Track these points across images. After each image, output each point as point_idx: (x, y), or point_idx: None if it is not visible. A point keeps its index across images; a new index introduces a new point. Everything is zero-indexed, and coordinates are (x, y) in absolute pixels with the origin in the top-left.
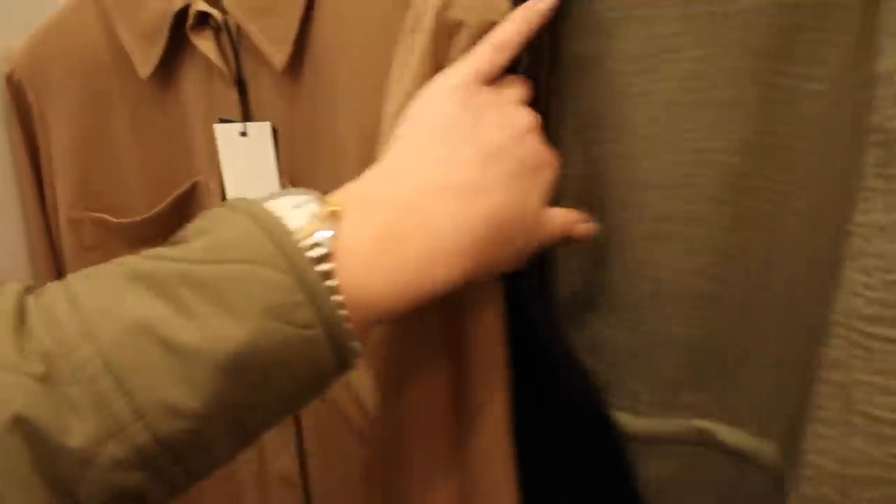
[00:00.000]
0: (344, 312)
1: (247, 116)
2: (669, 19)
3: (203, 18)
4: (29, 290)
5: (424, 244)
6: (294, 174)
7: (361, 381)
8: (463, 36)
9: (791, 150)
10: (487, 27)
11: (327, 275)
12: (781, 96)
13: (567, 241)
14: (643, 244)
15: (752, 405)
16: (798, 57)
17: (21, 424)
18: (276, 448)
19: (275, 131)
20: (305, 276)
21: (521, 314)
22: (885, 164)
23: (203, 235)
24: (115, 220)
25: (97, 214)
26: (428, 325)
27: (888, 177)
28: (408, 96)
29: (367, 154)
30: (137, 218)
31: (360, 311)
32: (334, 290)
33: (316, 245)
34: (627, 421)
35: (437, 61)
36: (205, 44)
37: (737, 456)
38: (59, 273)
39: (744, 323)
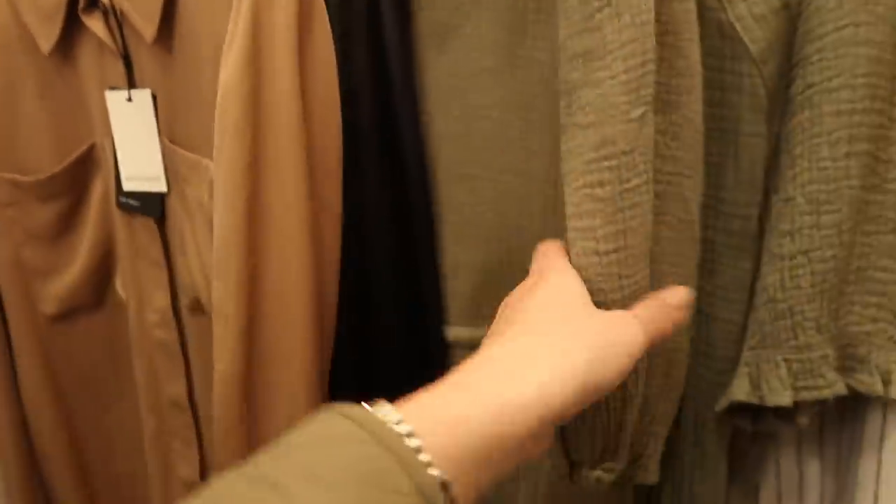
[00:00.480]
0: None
1: (132, 84)
2: (444, 6)
3: (93, 1)
4: None
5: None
6: (172, 133)
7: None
8: (275, 7)
9: (533, 105)
10: (292, 4)
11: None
12: (523, 63)
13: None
14: (447, 184)
15: None
16: (530, 33)
17: None
18: (168, 374)
19: (154, 97)
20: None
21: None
22: (568, 106)
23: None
24: (25, 178)
25: (9, 175)
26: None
27: (569, 114)
28: (234, 65)
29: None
30: (44, 175)
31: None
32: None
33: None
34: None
35: (255, 32)
36: (95, 24)
37: None
38: None
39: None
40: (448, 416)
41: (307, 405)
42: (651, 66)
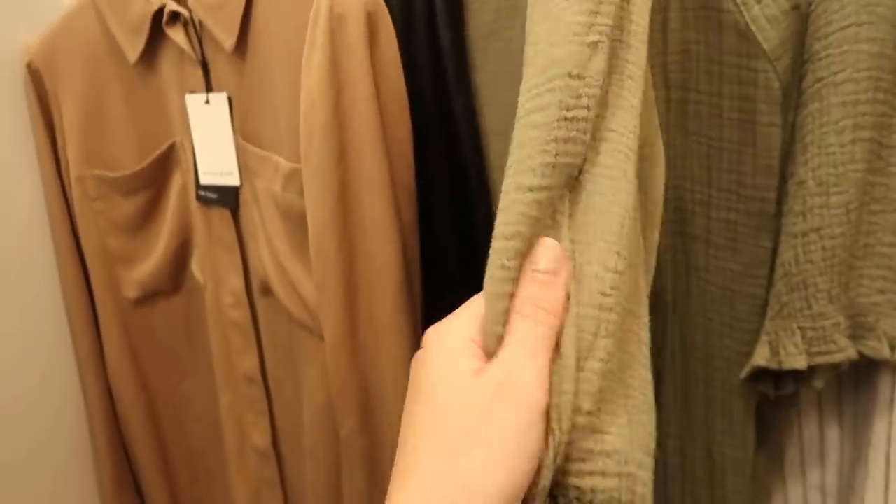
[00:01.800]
0: None
1: (209, 89)
2: (489, 11)
3: (175, 15)
4: None
5: None
6: (245, 132)
7: (300, 280)
8: (348, 25)
9: None
10: (364, 17)
11: None
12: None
13: None
14: (496, 174)
15: None
16: None
17: None
18: (241, 351)
19: (230, 100)
20: None
21: None
22: (527, 51)
23: None
24: (111, 174)
25: (98, 171)
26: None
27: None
28: (316, 76)
29: (294, 116)
30: (129, 171)
31: None
32: None
33: None
34: None
35: (333, 47)
36: (177, 35)
37: None
38: (71, 220)
39: None
40: None
41: (404, 358)
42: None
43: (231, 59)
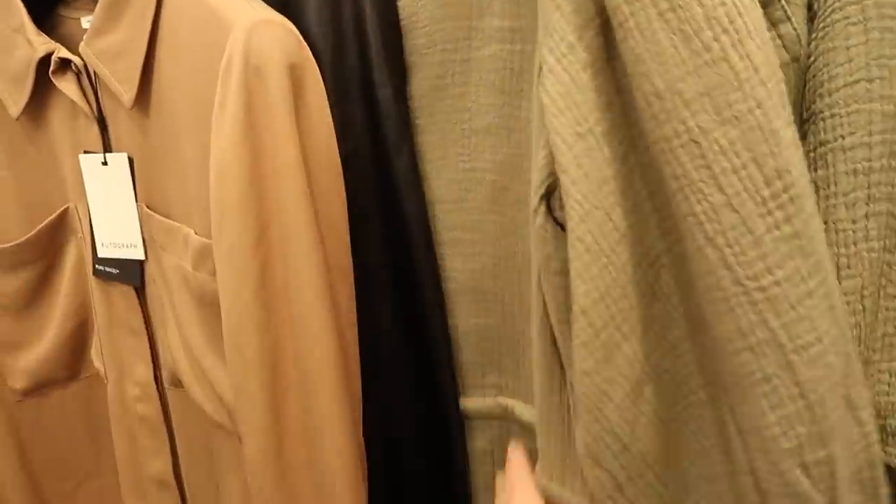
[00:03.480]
0: None
1: (107, 148)
2: (433, 65)
3: (65, 63)
4: None
5: None
6: (150, 198)
7: (216, 374)
8: (267, 79)
9: (527, 164)
10: (286, 69)
11: None
12: (516, 124)
13: None
14: (442, 250)
15: None
16: (525, 94)
17: None
18: (151, 451)
19: (131, 161)
20: None
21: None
22: (702, 156)
23: None
24: None
25: None
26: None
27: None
28: (228, 140)
29: (205, 182)
30: (13, 242)
31: None
32: None
33: None
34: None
35: (249, 105)
36: (68, 86)
37: (530, 429)
38: None
39: (522, 313)
40: None
41: (349, 486)
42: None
43: (132, 115)
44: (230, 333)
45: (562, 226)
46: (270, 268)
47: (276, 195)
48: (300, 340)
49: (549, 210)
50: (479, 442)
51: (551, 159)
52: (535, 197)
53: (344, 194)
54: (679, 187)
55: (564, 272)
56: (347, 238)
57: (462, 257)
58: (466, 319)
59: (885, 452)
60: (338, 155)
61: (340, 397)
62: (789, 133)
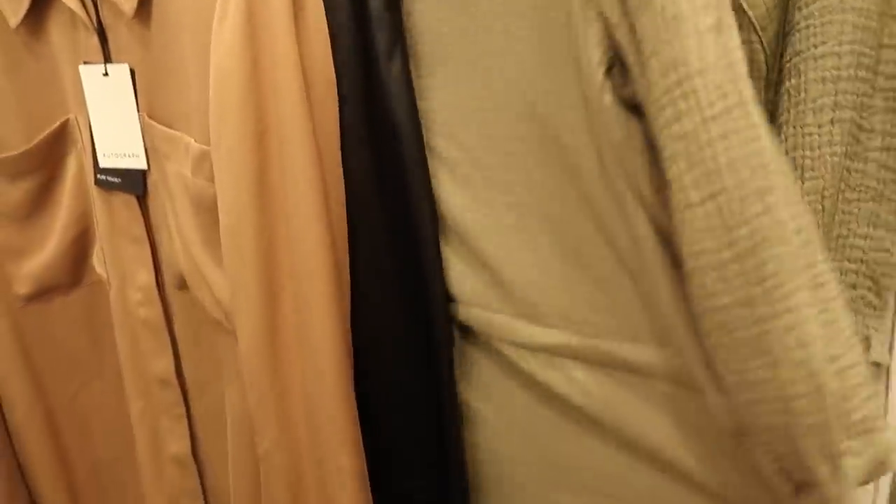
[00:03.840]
0: None
1: (108, 59)
2: None
3: None
4: None
5: None
6: (151, 109)
7: (213, 278)
8: None
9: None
10: None
11: None
12: None
13: None
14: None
15: None
16: None
17: None
18: (153, 352)
19: (132, 72)
20: None
21: None
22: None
23: None
24: None
25: None
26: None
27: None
28: (229, 46)
29: (206, 92)
30: (15, 152)
31: None
32: None
33: None
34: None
35: (249, 12)
36: None
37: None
38: None
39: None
40: None
41: (337, 374)
42: None
43: (133, 26)
44: (228, 234)
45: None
46: (268, 171)
47: (275, 102)
48: (294, 241)
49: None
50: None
51: (605, 35)
52: (596, 74)
53: (337, 103)
54: None
55: (651, 147)
56: (339, 145)
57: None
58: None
59: None
60: (332, 62)
61: (331, 295)
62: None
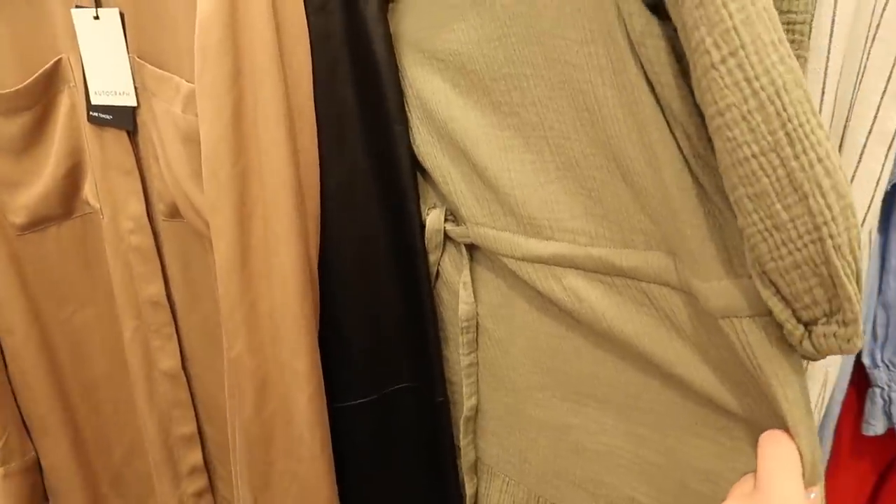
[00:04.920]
0: None
1: (98, 3)
2: None
3: None
4: None
5: None
6: (141, 50)
7: (200, 203)
8: None
9: None
10: None
11: None
12: None
13: None
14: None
15: None
16: None
17: None
18: (145, 277)
19: (122, 16)
20: None
21: None
22: None
23: None
24: None
25: None
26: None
27: None
28: None
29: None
30: (10, 90)
31: None
32: None
33: None
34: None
35: None
36: None
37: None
38: None
39: None
40: None
41: (298, 289)
42: None
43: None
44: (207, 160)
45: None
46: (243, 104)
47: (250, 42)
48: (266, 166)
49: None
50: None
51: None
52: None
53: (308, 43)
54: None
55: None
56: (310, 81)
57: None
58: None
59: None
60: (303, 9)
61: (296, 219)
62: None
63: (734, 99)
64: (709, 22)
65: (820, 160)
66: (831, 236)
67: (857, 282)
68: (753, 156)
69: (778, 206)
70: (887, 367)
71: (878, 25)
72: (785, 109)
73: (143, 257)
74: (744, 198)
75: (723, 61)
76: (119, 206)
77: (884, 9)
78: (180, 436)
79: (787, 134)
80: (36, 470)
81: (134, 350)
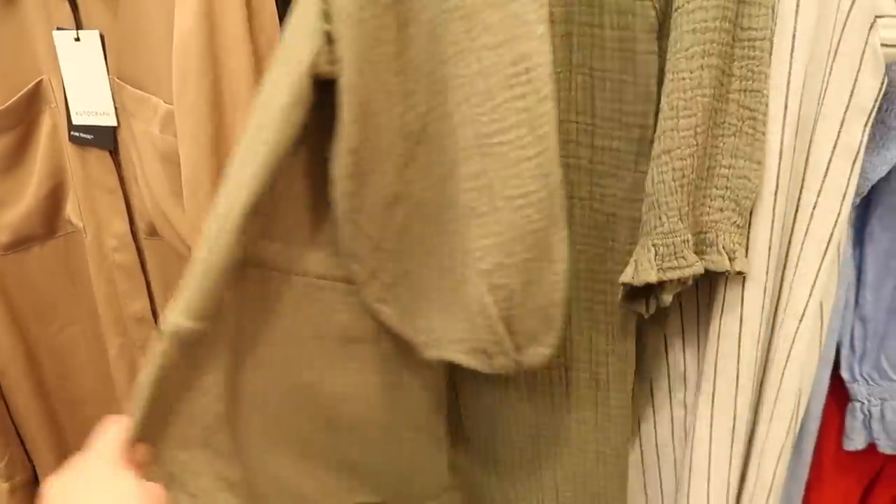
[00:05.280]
0: None
1: (79, 25)
2: None
3: None
4: None
5: None
6: (120, 71)
7: (178, 222)
8: None
9: None
10: None
11: None
12: None
13: None
14: None
15: None
16: None
17: None
18: (130, 294)
19: (102, 37)
20: None
21: None
22: (468, 31)
23: None
24: None
25: None
26: None
27: (472, 38)
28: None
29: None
30: None
31: None
32: None
33: None
34: None
35: None
36: None
37: None
38: None
39: None
40: None
41: None
42: None
43: None
44: (188, 180)
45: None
46: (223, 124)
47: (229, 63)
48: None
49: None
50: None
51: None
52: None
53: None
54: (454, 52)
55: None
56: None
57: None
58: None
59: (703, 259)
60: (279, 28)
61: None
62: (541, 28)
63: None
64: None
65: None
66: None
67: None
68: None
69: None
70: (866, 381)
71: (839, 40)
72: None
73: (127, 274)
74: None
75: None
76: (103, 224)
77: (844, 24)
78: None
79: None
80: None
81: (120, 367)
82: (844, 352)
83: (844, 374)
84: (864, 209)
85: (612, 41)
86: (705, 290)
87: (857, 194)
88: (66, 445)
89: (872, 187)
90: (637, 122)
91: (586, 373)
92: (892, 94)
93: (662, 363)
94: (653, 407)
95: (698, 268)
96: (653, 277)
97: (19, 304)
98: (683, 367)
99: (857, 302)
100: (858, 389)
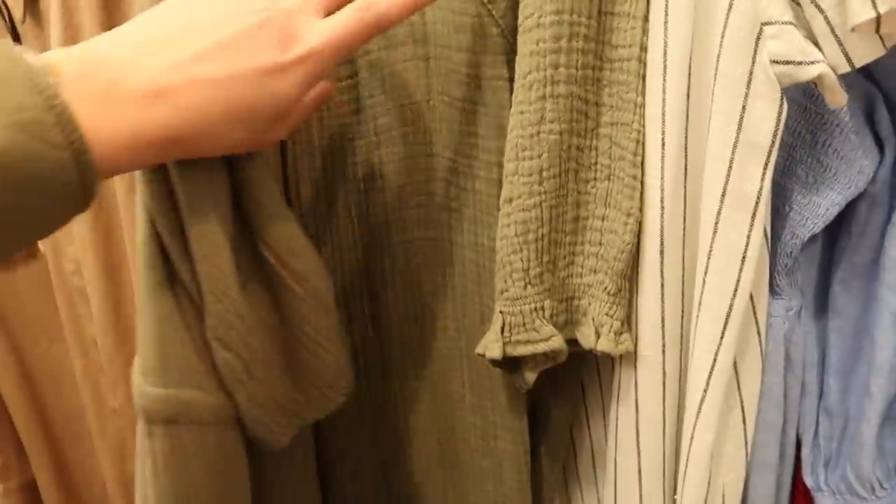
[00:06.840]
0: (85, 142)
1: None
2: None
3: None
4: None
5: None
6: None
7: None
8: None
9: None
10: None
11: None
12: None
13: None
14: None
15: None
16: None
17: None
18: (87, 317)
19: None
20: (53, 101)
21: None
22: None
23: None
24: None
25: None
26: None
27: None
28: None
29: None
30: None
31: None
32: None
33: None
34: None
35: None
36: None
37: None
38: None
39: None
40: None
41: None
42: None
43: (30, 27)
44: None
45: None
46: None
47: None
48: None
49: None
50: None
51: None
52: None
53: None
54: None
55: None
56: None
57: None
58: None
59: (580, 332)
60: None
61: None
62: None
63: None
64: None
65: None
66: None
67: None
68: None
69: None
70: (833, 492)
71: (718, 56)
72: None
73: (85, 298)
74: None
75: None
76: (60, 248)
77: (722, 35)
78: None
79: None
80: (35, 489)
81: (85, 388)
82: (806, 451)
83: (808, 480)
84: (824, 280)
85: (462, 64)
86: (607, 369)
87: (788, 255)
88: (63, 459)
89: (833, 245)
90: (493, 159)
91: (482, 440)
92: (830, 124)
93: (566, 438)
94: (565, 485)
95: (555, 343)
96: (496, 353)
97: (11, 321)
98: (590, 442)
99: (821, 392)
100: (823, 502)
